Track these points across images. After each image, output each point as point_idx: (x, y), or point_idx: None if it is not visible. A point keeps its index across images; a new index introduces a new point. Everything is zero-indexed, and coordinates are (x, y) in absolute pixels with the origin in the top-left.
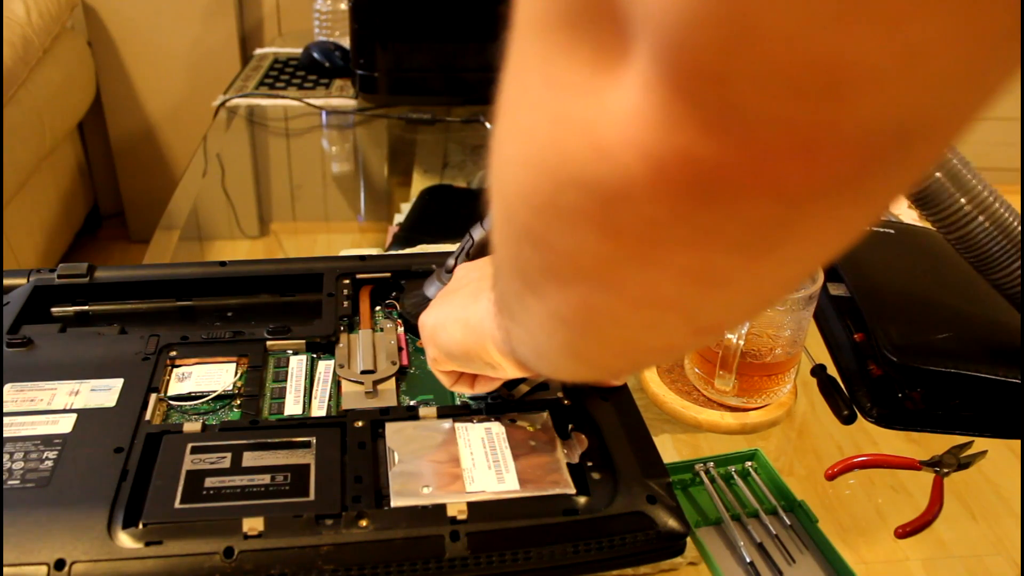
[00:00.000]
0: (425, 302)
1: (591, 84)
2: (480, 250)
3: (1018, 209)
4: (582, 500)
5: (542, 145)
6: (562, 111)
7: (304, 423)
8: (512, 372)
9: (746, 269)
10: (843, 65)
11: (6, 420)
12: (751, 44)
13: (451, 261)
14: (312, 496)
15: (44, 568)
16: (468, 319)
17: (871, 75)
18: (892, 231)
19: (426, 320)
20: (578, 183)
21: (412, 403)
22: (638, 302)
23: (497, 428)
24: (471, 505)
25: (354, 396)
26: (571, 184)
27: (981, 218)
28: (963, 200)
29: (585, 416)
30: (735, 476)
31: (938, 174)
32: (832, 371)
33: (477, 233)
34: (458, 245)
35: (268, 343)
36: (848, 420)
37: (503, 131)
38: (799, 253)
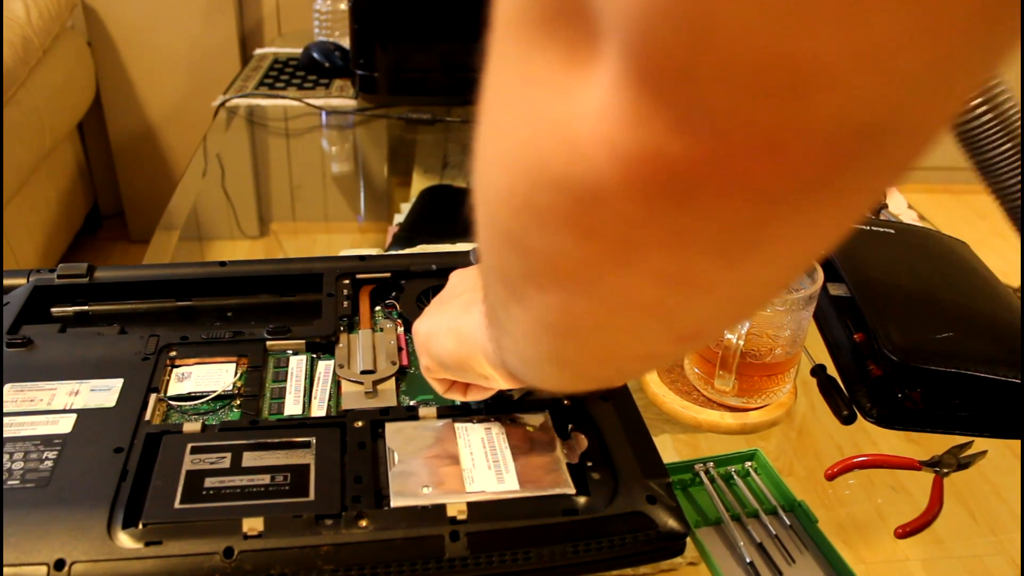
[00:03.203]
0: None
1: (565, 82)
2: None
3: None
4: (582, 500)
5: (518, 145)
6: (537, 110)
7: (304, 423)
8: (504, 383)
9: (723, 272)
10: (803, 63)
11: (6, 420)
12: (712, 41)
13: None
14: (312, 496)
15: (44, 568)
16: (460, 330)
17: (832, 73)
18: (892, 231)
19: (419, 328)
20: (553, 183)
21: (412, 403)
22: (617, 306)
23: (497, 428)
24: (471, 505)
25: (354, 396)
26: (547, 184)
27: None
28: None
29: (585, 416)
30: (735, 476)
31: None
32: (832, 371)
33: None
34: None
35: (268, 343)
36: (848, 420)
37: (483, 132)
38: (777, 255)
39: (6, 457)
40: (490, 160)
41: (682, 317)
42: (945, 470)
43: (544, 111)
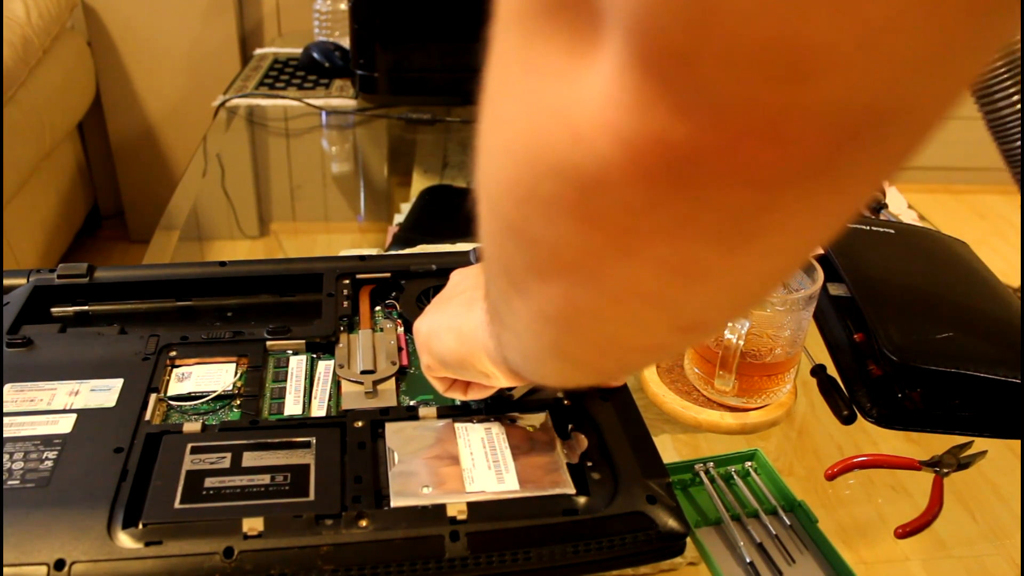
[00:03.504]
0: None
1: (567, 69)
2: None
3: (1017, 211)
4: (582, 500)
5: (521, 134)
6: (540, 98)
7: (304, 423)
8: (505, 381)
9: (725, 260)
10: (804, 46)
11: (6, 420)
12: (713, 24)
13: None
14: (312, 496)
15: (44, 568)
16: (462, 328)
17: (833, 55)
18: (892, 231)
19: (420, 327)
20: (556, 171)
21: (412, 403)
22: (619, 296)
23: (497, 428)
24: (471, 505)
25: (354, 396)
26: (549, 172)
27: None
28: None
29: (585, 416)
30: (735, 476)
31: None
32: (832, 371)
33: None
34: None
35: (268, 343)
36: (848, 420)
37: (486, 122)
38: (778, 244)
39: (6, 457)
40: (493, 150)
41: (683, 307)
42: (945, 470)
43: (547, 99)
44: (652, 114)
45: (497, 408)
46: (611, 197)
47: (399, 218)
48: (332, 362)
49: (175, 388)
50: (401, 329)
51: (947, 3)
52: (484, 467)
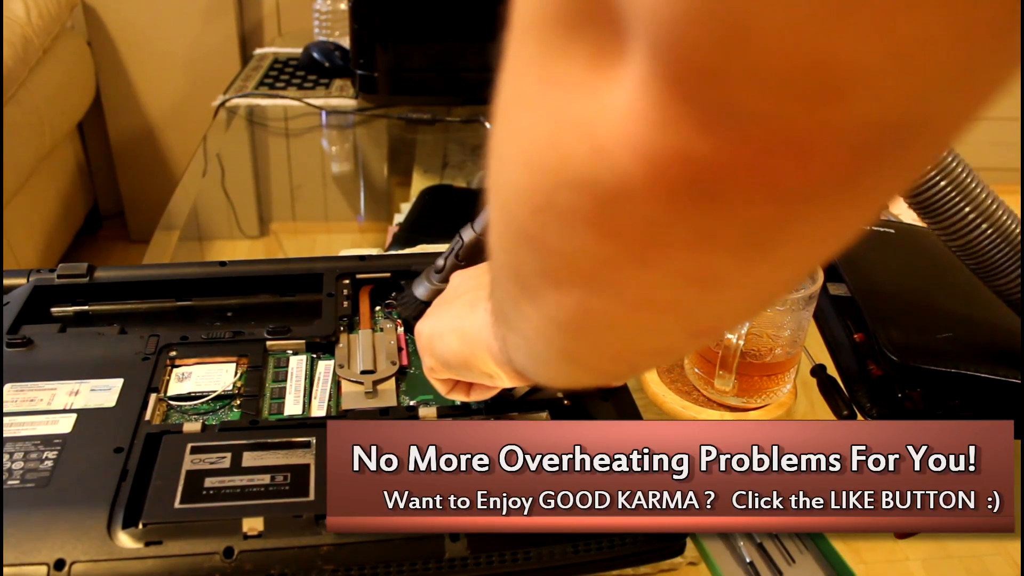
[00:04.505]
0: (414, 302)
1: (589, 83)
2: (470, 252)
3: (1018, 210)
4: None
5: (540, 145)
6: (560, 110)
7: (304, 423)
8: (509, 382)
9: (743, 271)
10: (836, 64)
11: (6, 420)
12: (745, 42)
13: (440, 262)
14: (312, 496)
15: (44, 568)
16: (465, 329)
17: (864, 74)
18: (892, 231)
19: (422, 329)
20: (576, 183)
21: (412, 403)
22: (635, 305)
23: None
24: None
25: (354, 396)
26: (569, 184)
27: (984, 226)
28: (967, 208)
29: (585, 416)
30: None
31: (942, 182)
32: (832, 371)
33: (467, 235)
34: (448, 246)
35: (268, 343)
36: (848, 420)
37: (501, 132)
38: (796, 254)
39: (6, 457)
40: (509, 159)
41: (698, 314)
42: None
43: (567, 111)
44: (677, 129)
45: (497, 408)
46: (631, 210)
47: (399, 218)
48: (332, 362)
49: (175, 388)
50: (401, 329)
51: (972, 20)
52: None
